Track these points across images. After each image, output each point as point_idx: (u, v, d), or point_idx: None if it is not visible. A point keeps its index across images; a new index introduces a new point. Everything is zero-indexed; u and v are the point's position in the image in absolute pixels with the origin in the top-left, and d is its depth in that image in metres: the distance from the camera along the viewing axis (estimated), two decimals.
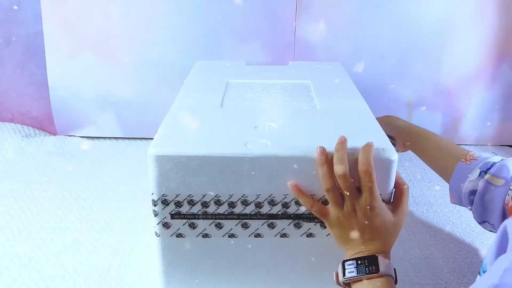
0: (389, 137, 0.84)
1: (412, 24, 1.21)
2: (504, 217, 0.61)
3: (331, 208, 0.59)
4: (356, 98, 0.81)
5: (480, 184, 0.65)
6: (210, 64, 1.04)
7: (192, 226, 0.65)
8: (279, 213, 0.64)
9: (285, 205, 0.63)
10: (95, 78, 1.26)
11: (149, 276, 0.78)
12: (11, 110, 1.35)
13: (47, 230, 0.90)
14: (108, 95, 1.28)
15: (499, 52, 1.24)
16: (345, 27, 1.21)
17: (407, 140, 0.82)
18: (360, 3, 1.19)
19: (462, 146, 0.76)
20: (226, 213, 0.64)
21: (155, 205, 0.63)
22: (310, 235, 0.65)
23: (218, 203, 0.63)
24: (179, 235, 0.65)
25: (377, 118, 0.84)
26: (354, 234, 0.58)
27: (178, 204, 0.63)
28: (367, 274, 0.55)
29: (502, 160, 0.66)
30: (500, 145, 1.36)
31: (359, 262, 0.57)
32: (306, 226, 0.65)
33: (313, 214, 0.61)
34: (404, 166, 1.20)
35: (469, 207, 0.68)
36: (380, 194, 0.59)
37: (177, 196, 0.62)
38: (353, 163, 0.58)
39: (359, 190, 0.58)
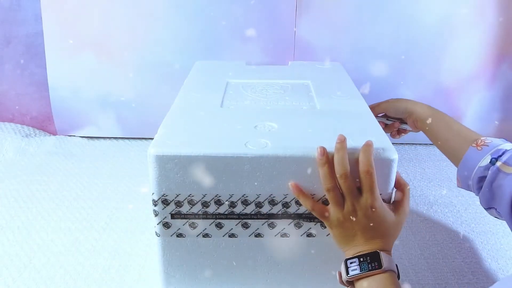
0: (398, 118, 0.86)
1: (412, 24, 1.21)
2: None
3: (332, 209, 0.59)
4: (356, 98, 0.81)
5: (491, 171, 0.64)
6: (210, 64, 1.04)
7: (192, 226, 0.65)
8: (279, 213, 0.64)
9: (285, 205, 0.63)
10: (95, 78, 1.26)
11: (149, 276, 0.78)
12: (11, 110, 1.35)
13: (47, 230, 0.90)
14: (108, 95, 1.28)
15: (499, 52, 1.24)
16: (345, 27, 1.21)
17: (417, 120, 0.80)
18: (360, 3, 1.19)
19: None
20: (226, 213, 0.64)
21: (155, 205, 0.63)
22: (310, 235, 0.65)
23: (218, 203, 0.63)
24: (179, 235, 0.65)
25: (384, 102, 0.86)
26: (355, 234, 0.58)
27: (178, 204, 0.63)
28: (370, 270, 0.55)
29: None
30: None
31: (362, 259, 0.57)
32: (306, 226, 0.65)
33: (313, 214, 0.61)
34: (404, 166, 1.20)
35: (477, 192, 0.68)
36: (380, 194, 0.59)
37: (177, 196, 0.62)
38: (354, 163, 0.58)
39: (359, 190, 0.58)
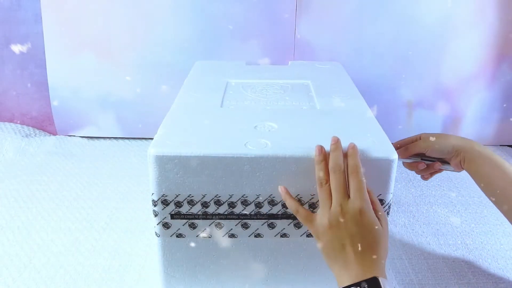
0: (439, 159, 0.75)
1: (412, 24, 1.21)
2: None
3: (319, 210, 0.58)
4: (356, 98, 0.81)
5: None
6: (210, 64, 1.04)
7: (192, 226, 0.65)
8: (279, 213, 0.64)
9: (285, 205, 0.63)
10: (95, 78, 1.26)
11: (149, 276, 0.78)
12: (11, 110, 1.35)
13: (47, 230, 0.90)
14: (108, 95, 1.28)
15: (499, 52, 1.24)
16: (345, 27, 1.21)
17: (467, 161, 0.71)
18: (360, 3, 1.19)
19: None
20: (226, 213, 0.64)
21: (155, 205, 0.63)
22: (310, 235, 0.65)
23: (218, 203, 0.63)
24: (179, 235, 0.65)
25: (421, 141, 0.75)
26: (344, 245, 0.54)
27: (178, 204, 0.63)
28: None
29: None
30: (500, 145, 1.36)
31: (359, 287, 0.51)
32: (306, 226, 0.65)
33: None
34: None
35: None
36: (380, 194, 0.59)
37: (177, 196, 0.62)
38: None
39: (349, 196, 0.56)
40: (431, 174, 0.80)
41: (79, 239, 0.88)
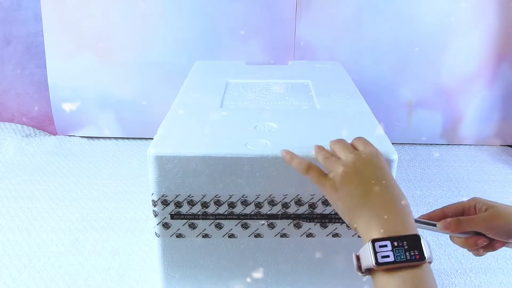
0: (485, 235, 0.53)
1: (412, 24, 1.21)
2: None
3: (331, 166, 0.52)
4: (356, 98, 0.81)
5: None
6: (210, 64, 1.04)
7: (192, 226, 0.65)
8: (279, 213, 0.64)
9: (285, 205, 0.63)
10: (95, 78, 1.26)
11: (149, 276, 0.78)
12: (11, 110, 1.35)
13: (47, 230, 0.90)
14: (108, 95, 1.28)
15: (499, 52, 1.24)
16: (345, 27, 1.21)
17: None
18: (360, 3, 1.19)
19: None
20: (226, 213, 0.64)
21: (155, 206, 0.63)
22: (310, 235, 0.65)
23: (218, 203, 0.63)
24: (179, 235, 0.65)
25: (479, 217, 0.56)
26: (366, 190, 0.47)
27: (178, 204, 0.63)
28: (409, 261, 0.42)
29: None
30: (500, 145, 1.36)
31: (396, 243, 0.43)
32: (306, 226, 0.65)
33: (313, 214, 0.61)
34: (404, 166, 1.20)
35: None
36: None
37: (177, 196, 0.62)
38: None
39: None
40: (486, 251, 0.58)
41: (79, 239, 0.88)
